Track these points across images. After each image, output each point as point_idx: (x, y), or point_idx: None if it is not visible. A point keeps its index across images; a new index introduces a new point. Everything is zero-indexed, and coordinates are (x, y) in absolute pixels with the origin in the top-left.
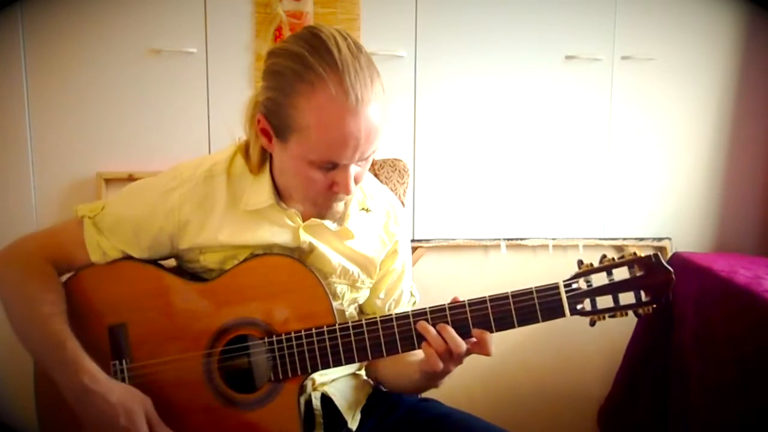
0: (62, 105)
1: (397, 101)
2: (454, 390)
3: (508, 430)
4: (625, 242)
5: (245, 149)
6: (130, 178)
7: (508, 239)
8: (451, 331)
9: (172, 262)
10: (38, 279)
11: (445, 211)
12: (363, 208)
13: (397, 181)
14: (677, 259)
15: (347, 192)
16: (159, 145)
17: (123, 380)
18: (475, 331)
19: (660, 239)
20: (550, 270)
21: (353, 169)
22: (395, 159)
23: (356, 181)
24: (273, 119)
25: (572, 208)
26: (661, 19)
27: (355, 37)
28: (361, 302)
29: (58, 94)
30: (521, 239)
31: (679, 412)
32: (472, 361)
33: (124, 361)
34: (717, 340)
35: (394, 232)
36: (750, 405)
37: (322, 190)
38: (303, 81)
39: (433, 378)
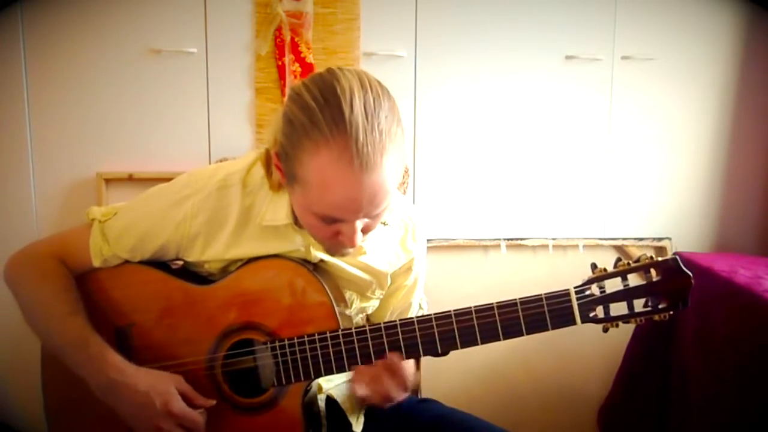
0: (62, 105)
1: (397, 101)
2: (454, 390)
3: (508, 430)
4: (625, 242)
5: (266, 162)
6: (130, 178)
7: (508, 239)
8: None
9: (179, 262)
10: (54, 279)
11: (445, 211)
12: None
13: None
14: None
15: (352, 245)
16: (159, 145)
17: None
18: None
19: (660, 239)
20: (550, 270)
21: (360, 223)
22: None
23: (365, 232)
24: (283, 164)
25: (572, 208)
26: (661, 19)
27: (377, 84)
28: (369, 312)
29: (58, 94)
30: (521, 239)
31: (679, 412)
32: (472, 361)
33: None
34: (717, 339)
35: (410, 249)
36: (750, 405)
37: (327, 236)
38: (308, 138)
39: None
